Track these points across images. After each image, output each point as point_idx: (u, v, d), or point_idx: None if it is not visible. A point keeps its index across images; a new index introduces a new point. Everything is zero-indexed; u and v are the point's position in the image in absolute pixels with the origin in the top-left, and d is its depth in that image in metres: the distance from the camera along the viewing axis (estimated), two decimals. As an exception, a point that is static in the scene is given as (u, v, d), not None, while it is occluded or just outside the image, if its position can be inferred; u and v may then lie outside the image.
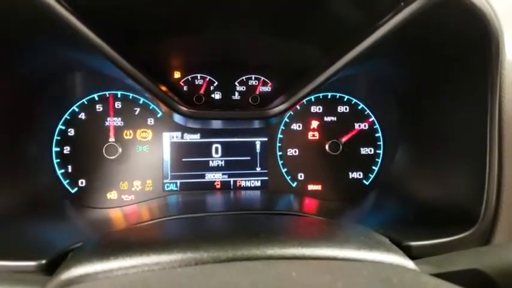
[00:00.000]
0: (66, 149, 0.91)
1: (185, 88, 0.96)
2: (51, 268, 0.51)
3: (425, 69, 0.75)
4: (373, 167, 1.00)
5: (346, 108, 1.00)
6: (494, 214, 0.63)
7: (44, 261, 0.52)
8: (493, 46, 0.59)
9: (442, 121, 0.76)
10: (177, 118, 0.89)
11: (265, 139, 0.99)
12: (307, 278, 0.34)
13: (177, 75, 0.96)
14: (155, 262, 0.42)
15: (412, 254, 0.58)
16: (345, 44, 0.66)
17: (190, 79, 0.96)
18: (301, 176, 0.99)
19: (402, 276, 0.38)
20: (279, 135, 0.99)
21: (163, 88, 0.78)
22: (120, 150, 0.92)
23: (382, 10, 0.59)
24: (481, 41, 0.59)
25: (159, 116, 0.96)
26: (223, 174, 0.98)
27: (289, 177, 0.99)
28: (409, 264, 0.47)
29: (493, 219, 0.63)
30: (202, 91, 0.96)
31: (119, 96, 0.94)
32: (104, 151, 0.91)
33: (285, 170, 0.99)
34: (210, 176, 0.98)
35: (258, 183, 0.99)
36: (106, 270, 0.42)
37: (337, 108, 1.00)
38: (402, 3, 0.57)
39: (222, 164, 0.98)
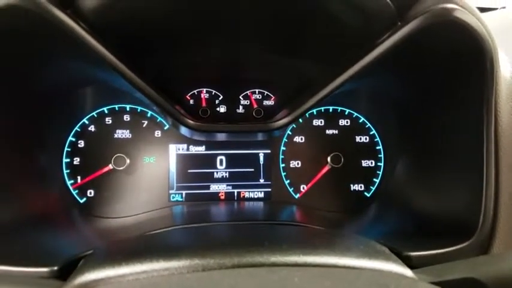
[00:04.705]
0: (76, 160, 0.94)
1: (191, 102, 0.99)
2: (63, 274, 0.53)
3: (423, 84, 0.78)
4: (374, 179, 1.02)
5: (347, 122, 1.03)
6: (492, 225, 0.65)
7: (55, 268, 0.54)
8: (488, 63, 0.62)
9: (441, 135, 0.78)
10: (183, 131, 0.92)
11: (269, 151, 1.01)
12: (308, 284, 0.36)
13: (184, 89, 0.99)
14: (164, 268, 0.44)
15: (411, 263, 0.59)
16: (344, 61, 0.69)
17: (196, 93, 0.99)
18: (303, 188, 1.01)
19: (399, 283, 0.40)
20: (282, 148, 1.02)
21: (171, 102, 0.81)
22: (128, 161, 0.95)
23: (381, 29, 0.62)
24: (476, 59, 0.62)
25: (166, 128, 0.99)
26: (227, 185, 1.00)
27: (292, 188, 1.01)
28: (407, 272, 0.49)
29: (490, 230, 0.65)
30: (207, 105, 0.99)
31: (128, 109, 0.97)
32: (112, 162, 0.94)
33: (288, 181, 1.01)
34: (214, 187, 1.00)
35: (261, 195, 1.01)
36: (118, 276, 0.44)
37: (338, 122, 1.02)
38: (400, 23, 0.60)
39: (226, 176, 1.00)
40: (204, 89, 1.00)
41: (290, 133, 1.02)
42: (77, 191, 0.94)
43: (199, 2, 0.61)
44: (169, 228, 0.69)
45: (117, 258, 0.47)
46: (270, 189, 1.01)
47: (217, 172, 1.00)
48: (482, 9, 1.32)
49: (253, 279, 0.38)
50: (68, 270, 0.51)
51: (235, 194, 1.01)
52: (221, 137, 0.96)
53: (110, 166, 0.94)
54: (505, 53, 0.72)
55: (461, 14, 0.56)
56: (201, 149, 1.00)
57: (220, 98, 1.00)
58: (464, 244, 0.64)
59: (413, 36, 0.60)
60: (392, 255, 0.53)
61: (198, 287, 0.37)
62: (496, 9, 1.30)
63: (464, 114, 0.70)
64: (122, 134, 0.96)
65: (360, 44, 0.66)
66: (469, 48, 0.61)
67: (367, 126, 1.03)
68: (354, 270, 0.44)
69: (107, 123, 0.96)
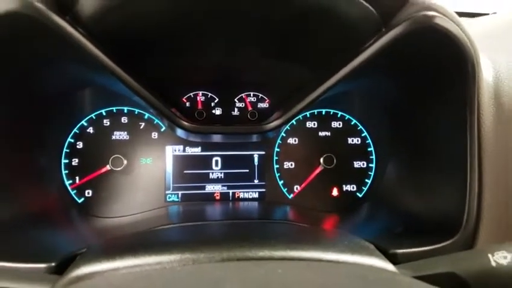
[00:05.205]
0: (75, 161, 0.97)
1: (188, 104, 1.01)
2: (60, 270, 0.55)
3: (410, 87, 0.81)
4: (366, 180, 1.04)
5: (339, 124, 1.05)
6: (476, 224, 0.67)
7: (53, 264, 0.56)
8: (469, 66, 0.65)
9: (428, 136, 0.80)
10: (179, 132, 0.95)
11: (263, 152, 1.04)
12: (291, 274, 0.39)
13: (180, 92, 1.01)
14: (157, 262, 0.47)
15: (397, 261, 0.61)
16: (333, 65, 0.72)
17: (192, 96, 1.02)
18: (297, 188, 1.04)
19: (379, 275, 0.43)
20: (276, 149, 1.04)
21: (167, 105, 0.84)
22: (125, 162, 0.97)
23: (367, 35, 0.65)
24: (458, 63, 0.65)
25: (162, 130, 1.01)
26: (222, 186, 1.03)
27: (286, 189, 1.04)
28: (389, 267, 0.51)
29: (474, 229, 0.67)
30: (203, 107, 1.01)
31: (125, 111, 1.00)
32: (110, 163, 0.96)
33: (282, 182, 1.04)
34: (210, 188, 1.02)
35: (256, 195, 1.03)
36: (112, 269, 0.46)
37: (331, 124, 1.05)
38: (384, 29, 0.63)
39: (221, 176, 1.03)
40: (200, 92, 1.02)
41: (284, 135, 1.05)
42: (75, 191, 0.96)
43: (197, 8, 0.63)
44: (164, 227, 0.71)
45: (111, 253, 0.49)
46: (264, 190, 1.04)
47: (212, 173, 1.03)
48: (474, 15, 1.35)
49: (240, 271, 0.40)
50: (65, 266, 0.53)
51: (230, 194, 1.03)
52: (216, 138, 0.99)
53: (108, 167, 0.96)
54: (488, 57, 0.75)
55: (441, 21, 0.59)
56: (197, 150, 1.02)
57: (215, 101, 1.03)
58: (448, 242, 0.66)
59: (397, 41, 0.62)
60: (376, 251, 0.56)
61: (188, 278, 0.39)
62: (488, 14, 1.33)
63: (449, 116, 0.73)
64: (119, 135, 0.99)
65: (347, 49, 0.68)
66: (450, 53, 0.63)
67: (359, 128, 1.05)
68: (336, 263, 0.47)
69: (105, 125, 0.99)
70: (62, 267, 0.54)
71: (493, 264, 0.48)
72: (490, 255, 0.49)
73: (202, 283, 0.37)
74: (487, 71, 0.71)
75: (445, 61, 0.67)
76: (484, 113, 0.68)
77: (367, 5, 0.58)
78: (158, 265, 0.46)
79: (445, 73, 0.69)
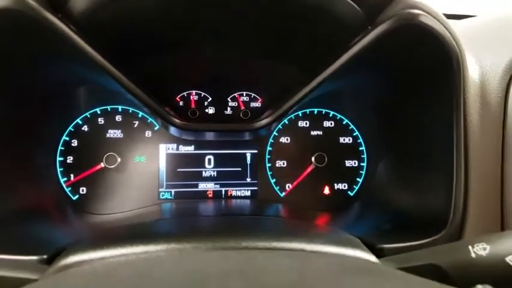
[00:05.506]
0: (69, 159, 0.98)
1: (181, 103, 1.03)
2: (51, 261, 0.56)
3: (398, 86, 0.82)
4: (358, 179, 1.05)
5: (331, 123, 1.06)
6: (462, 220, 0.68)
7: (45, 256, 0.57)
8: (454, 64, 0.66)
9: (416, 135, 0.82)
10: (172, 130, 0.96)
11: (256, 151, 1.05)
12: (269, 260, 0.40)
13: (174, 91, 1.03)
14: (143, 251, 0.48)
15: (384, 255, 0.62)
16: (321, 64, 0.74)
17: (185, 95, 1.03)
18: (288, 186, 1.05)
19: (357, 263, 0.44)
20: (269, 148, 1.05)
21: (160, 103, 0.85)
22: (119, 160, 0.98)
23: (352, 33, 0.66)
24: (443, 61, 0.66)
25: (156, 128, 1.02)
26: (215, 184, 1.04)
27: (278, 187, 1.05)
28: (372, 258, 0.52)
29: (460, 224, 0.68)
30: (196, 106, 1.03)
31: (120, 110, 1.01)
32: (104, 161, 0.97)
33: (274, 180, 1.05)
34: (202, 186, 1.03)
35: (248, 193, 1.04)
36: (99, 258, 0.47)
37: (323, 123, 1.06)
38: (369, 27, 0.65)
39: (214, 175, 1.04)
40: (194, 91, 1.03)
41: (276, 134, 1.06)
42: (70, 188, 0.97)
43: (189, 5, 0.65)
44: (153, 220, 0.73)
45: (99, 244, 0.50)
46: (256, 188, 1.05)
47: (205, 171, 1.04)
48: (460, 17, 1.37)
49: (221, 258, 0.41)
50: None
51: (223, 192, 1.04)
52: (209, 136, 1.00)
53: (102, 164, 0.98)
54: (474, 56, 0.76)
55: (425, 19, 0.61)
56: (190, 149, 1.04)
57: (209, 100, 1.04)
58: (435, 237, 0.67)
59: (383, 39, 0.64)
60: (361, 244, 0.57)
61: (171, 265, 0.40)
62: (473, 16, 1.35)
63: (436, 114, 0.74)
64: (113, 133, 1.00)
65: (335, 46, 0.70)
66: (435, 50, 0.65)
67: (350, 127, 1.06)
68: (318, 253, 0.48)
69: (100, 123, 1.00)
70: (54, 259, 0.55)
71: (473, 255, 0.49)
72: (470, 247, 0.50)
73: (184, 268, 0.38)
74: (474, 70, 0.72)
75: (430, 59, 0.68)
76: (470, 111, 0.70)
77: (352, 3, 0.59)
78: (144, 254, 0.47)
79: (431, 71, 0.71)
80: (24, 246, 0.61)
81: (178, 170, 1.02)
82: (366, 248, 0.56)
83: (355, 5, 0.59)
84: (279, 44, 0.76)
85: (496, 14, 0.92)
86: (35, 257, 0.57)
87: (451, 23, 0.66)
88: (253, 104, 1.04)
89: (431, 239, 0.67)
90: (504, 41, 0.79)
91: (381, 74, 0.81)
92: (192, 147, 1.03)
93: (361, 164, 1.05)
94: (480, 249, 0.49)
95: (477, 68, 0.74)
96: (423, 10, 0.61)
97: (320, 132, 1.06)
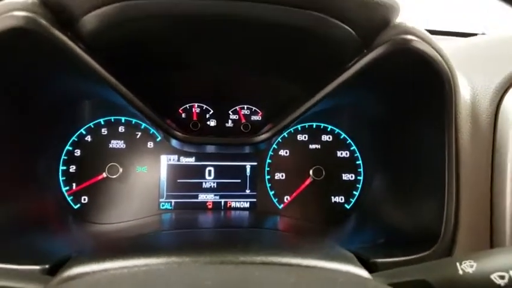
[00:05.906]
0: (72, 168, 1.00)
1: (183, 115, 1.05)
2: (54, 272, 0.58)
3: (393, 105, 0.85)
4: (354, 192, 1.07)
5: (329, 138, 1.09)
6: (453, 236, 0.71)
7: (47, 266, 0.59)
8: (446, 87, 0.69)
9: (409, 153, 0.84)
10: (174, 143, 0.98)
11: (255, 163, 1.07)
12: (266, 275, 0.42)
13: (177, 104, 1.05)
14: (144, 264, 0.50)
15: (377, 269, 0.64)
16: (319, 82, 0.77)
17: (188, 107, 1.06)
18: (287, 199, 1.07)
19: (349, 278, 0.46)
20: (268, 160, 1.08)
21: (162, 117, 0.88)
22: (121, 170, 1.01)
23: (349, 56, 0.69)
24: (435, 83, 0.69)
25: (158, 140, 1.05)
26: (215, 195, 1.06)
27: (276, 199, 1.07)
28: (364, 273, 0.54)
29: (451, 240, 0.70)
30: (198, 118, 1.05)
31: (123, 121, 1.04)
32: (106, 171, 1.00)
33: (273, 192, 1.07)
34: (202, 197, 1.06)
35: (247, 205, 1.06)
36: (102, 270, 0.49)
37: (321, 137, 1.09)
38: (366, 51, 0.68)
39: (214, 186, 1.06)
40: (196, 104, 1.06)
41: (276, 147, 1.08)
42: (71, 198, 0.99)
43: (194, 31, 0.68)
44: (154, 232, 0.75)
45: (102, 255, 0.52)
46: (255, 200, 1.07)
47: (205, 182, 1.06)
48: (464, 35, 1.40)
49: (219, 273, 0.43)
50: (59, 268, 0.56)
51: (222, 203, 1.06)
52: (210, 149, 1.03)
53: (104, 174, 1.00)
54: (467, 77, 0.79)
55: (418, 44, 0.64)
56: (191, 160, 1.06)
57: (210, 113, 1.07)
58: (426, 252, 0.69)
59: (377, 61, 0.67)
60: (354, 259, 0.59)
61: (171, 277, 0.43)
62: (476, 34, 1.38)
63: (429, 133, 0.77)
64: (116, 144, 1.02)
65: (332, 67, 0.73)
66: (427, 73, 0.67)
67: (347, 142, 1.09)
68: (313, 268, 0.50)
69: (103, 133, 1.02)
70: (56, 269, 0.57)
71: (460, 272, 0.51)
72: (458, 264, 0.52)
73: (183, 281, 0.40)
74: (465, 91, 0.75)
75: (423, 81, 0.71)
76: (461, 131, 0.72)
77: (348, 29, 0.62)
78: (145, 267, 0.50)
79: (424, 93, 0.73)
80: (26, 256, 0.62)
81: (178, 180, 1.05)
82: (359, 263, 0.58)
83: (351, 30, 0.62)
84: (279, 63, 0.80)
85: (491, 34, 0.95)
86: (37, 267, 0.58)
87: (450, 41, 0.69)
88: (253, 117, 1.07)
89: (423, 254, 0.69)
90: (495, 61, 0.81)
91: (377, 93, 0.84)
92: (193, 158, 1.06)
93: (358, 177, 1.08)
94: (467, 267, 0.51)
95: (469, 89, 0.76)
96: (416, 35, 0.64)
97: (318, 146, 1.08)
